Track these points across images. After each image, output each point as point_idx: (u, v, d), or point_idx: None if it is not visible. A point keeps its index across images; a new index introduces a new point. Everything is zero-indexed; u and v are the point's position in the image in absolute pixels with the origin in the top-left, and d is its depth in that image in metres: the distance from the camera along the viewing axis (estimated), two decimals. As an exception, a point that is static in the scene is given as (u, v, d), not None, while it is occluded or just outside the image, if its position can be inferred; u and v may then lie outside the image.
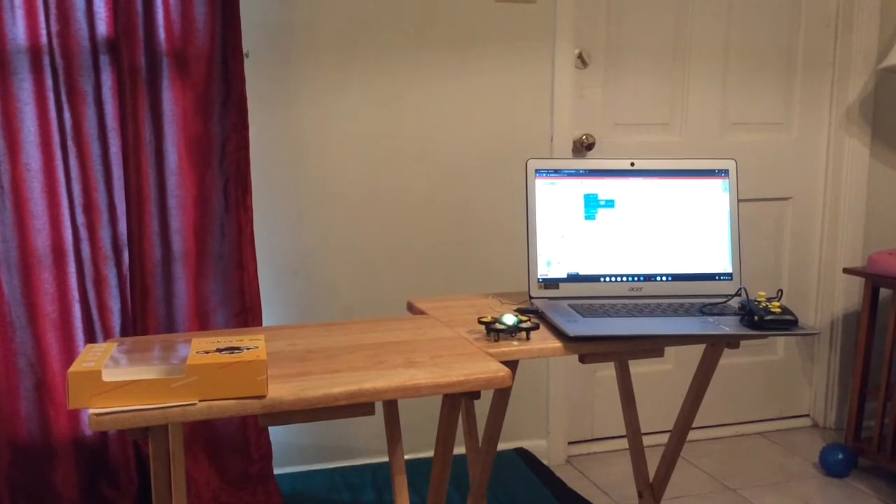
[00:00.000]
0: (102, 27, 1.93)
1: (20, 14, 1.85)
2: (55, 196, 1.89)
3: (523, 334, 1.44)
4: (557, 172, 1.68)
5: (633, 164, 1.70)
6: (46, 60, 1.88)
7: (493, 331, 1.41)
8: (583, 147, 2.52)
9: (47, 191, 1.88)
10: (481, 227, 2.44)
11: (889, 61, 2.53)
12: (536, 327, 1.43)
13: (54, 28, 1.86)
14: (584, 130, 2.54)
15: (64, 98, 1.89)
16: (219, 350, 1.14)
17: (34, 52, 1.87)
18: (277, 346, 1.37)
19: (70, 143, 1.90)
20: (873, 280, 2.46)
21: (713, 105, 2.66)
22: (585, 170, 1.69)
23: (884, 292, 2.69)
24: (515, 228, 2.47)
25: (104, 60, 1.94)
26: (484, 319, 1.43)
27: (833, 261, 2.81)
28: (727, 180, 1.72)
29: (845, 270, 2.54)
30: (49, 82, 1.89)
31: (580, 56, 2.50)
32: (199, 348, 1.15)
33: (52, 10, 1.86)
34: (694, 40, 2.61)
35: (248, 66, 2.14)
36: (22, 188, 1.86)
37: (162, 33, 1.95)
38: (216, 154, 2.03)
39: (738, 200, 2.71)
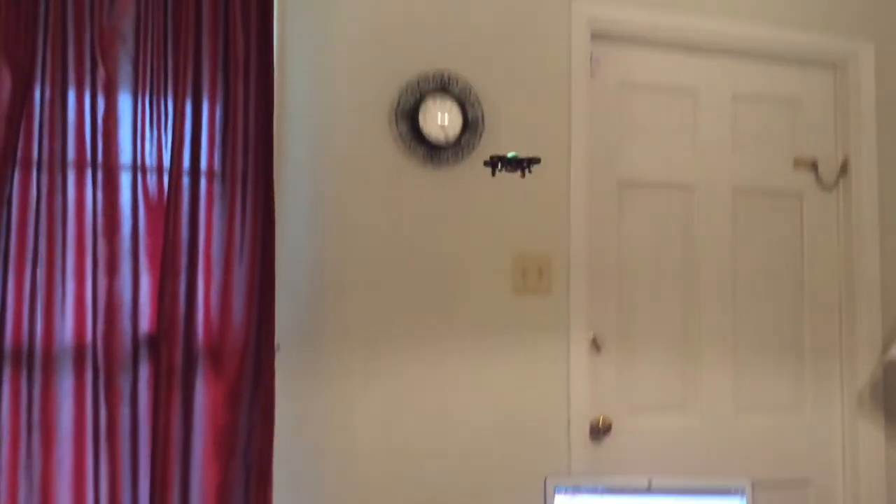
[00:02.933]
0: (145, 324, 2.06)
1: (70, 315, 1.99)
2: (82, 496, 1.92)
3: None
4: (577, 489, 1.70)
5: (650, 484, 1.73)
6: (89, 358, 1.99)
7: None
8: (599, 431, 2.56)
9: (75, 490, 1.92)
10: (498, 513, 2.43)
11: (894, 355, 2.62)
12: None
13: (100, 329, 1.99)
14: (600, 413, 2.59)
15: (102, 395, 1.98)
16: None
17: (79, 351, 1.99)
18: None
19: (102, 441, 1.96)
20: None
21: (726, 388, 2.73)
22: (604, 486, 1.72)
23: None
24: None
25: (143, 356, 2.05)
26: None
27: (859, 548, 2.74)
28: (743, 499, 1.74)
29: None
30: (89, 379, 1.98)
31: (594, 342, 2.60)
32: None
33: (101, 312, 2.00)
34: (703, 327, 2.72)
35: (278, 358, 2.24)
36: (50, 488, 1.90)
37: (201, 330, 2.07)
38: (241, 444, 2.08)
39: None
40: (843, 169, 2.87)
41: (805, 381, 2.82)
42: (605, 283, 2.64)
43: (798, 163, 2.85)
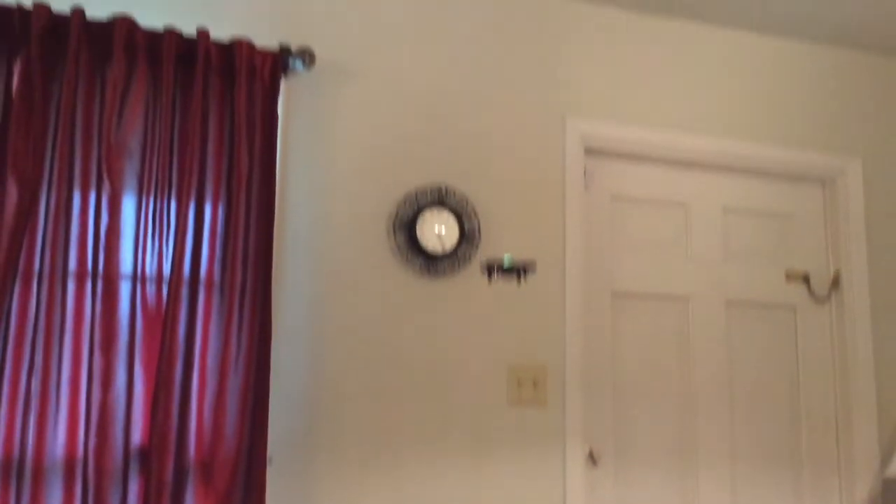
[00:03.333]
0: (137, 437, 2.04)
1: (62, 427, 1.97)
2: None
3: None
4: None
5: None
6: (80, 471, 1.96)
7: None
8: (595, 548, 2.51)
9: None
10: None
11: (893, 472, 2.59)
12: None
13: (92, 442, 1.97)
14: (595, 529, 2.54)
15: (90, 511, 1.94)
16: None
17: (69, 463, 1.96)
18: None
19: (88, 559, 1.92)
20: None
21: (724, 503, 2.68)
22: None
23: None
24: None
25: (134, 469, 2.02)
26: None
27: None
28: None
29: None
30: (79, 492, 1.95)
31: (590, 455, 2.58)
32: None
33: (93, 424, 1.98)
34: (700, 440, 2.70)
35: (270, 470, 2.21)
36: None
37: (193, 443, 2.05)
38: (229, 562, 2.03)
39: None
40: (835, 282, 2.90)
41: (804, 498, 2.78)
42: (600, 395, 2.63)
43: (790, 276, 2.89)
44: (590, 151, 2.72)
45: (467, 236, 2.51)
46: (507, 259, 2.26)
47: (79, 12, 2.08)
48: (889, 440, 2.79)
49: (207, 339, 2.10)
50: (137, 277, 2.08)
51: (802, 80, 2.96)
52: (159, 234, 2.11)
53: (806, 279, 2.90)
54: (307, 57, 2.33)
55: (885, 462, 2.74)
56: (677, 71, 2.83)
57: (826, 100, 2.98)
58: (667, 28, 2.84)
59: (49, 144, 2.05)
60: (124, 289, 2.07)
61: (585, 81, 2.73)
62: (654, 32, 2.83)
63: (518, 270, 2.23)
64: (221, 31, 2.35)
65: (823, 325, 2.90)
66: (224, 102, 2.20)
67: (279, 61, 2.27)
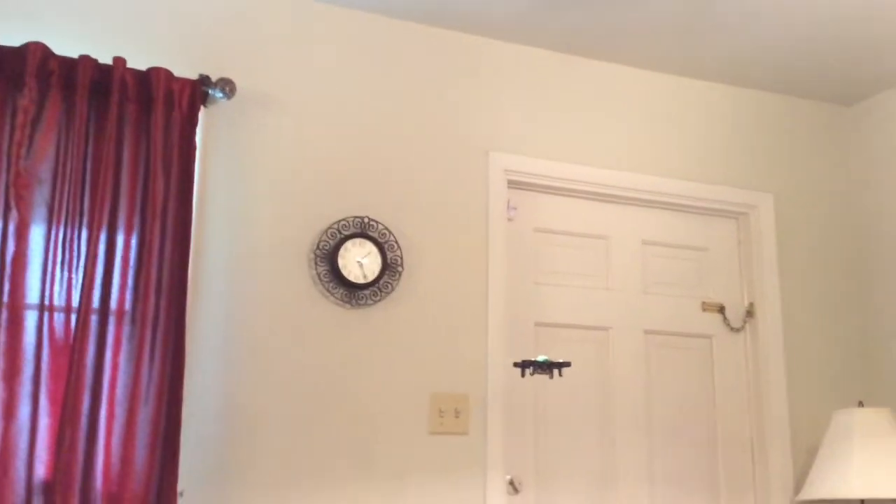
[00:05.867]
0: (41, 471, 1.97)
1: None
2: None
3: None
4: None
5: None
6: (-23, 509, 1.89)
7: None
8: (516, 578, 2.50)
9: None
10: None
11: (805, 495, 2.66)
12: None
13: (-7, 478, 1.90)
14: (516, 559, 2.54)
15: (-13, 548, 1.87)
16: None
17: (-33, 500, 1.89)
18: None
19: None
20: None
21: (643, 531, 2.72)
22: None
23: None
24: None
25: (37, 503, 1.96)
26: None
27: None
28: None
29: None
30: (-25, 530, 1.88)
31: (511, 483, 2.58)
32: None
33: (-4, 460, 1.91)
34: (619, 466, 2.73)
35: (182, 504, 2.16)
36: None
37: (99, 477, 2.00)
38: None
39: None
40: (750, 312, 2.99)
41: (721, 523, 2.83)
42: (522, 424, 2.65)
43: (706, 306, 2.97)
44: (513, 185, 2.77)
45: (390, 266, 2.53)
46: (541, 358, 2.34)
47: (-10, 38, 2.06)
48: (802, 464, 2.87)
49: (117, 369, 2.06)
50: (45, 307, 2.03)
51: (717, 119, 3.08)
52: (69, 262, 2.07)
53: (721, 310, 2.98)
54: (228, 87, 2.33)
55: (798, 485, 2.81)
56: (598, 109, 2.92)
57: (739, 138, 3.09)
58: (588, 68, 2.93)
59: (-46, 172, 2.00)
60: (30, 318, 2.02)
61: (509, 117, 2.79)
62: (576, 72, 2.91)
63: (553, 365, 2.29)
64: (141, 62, 2.33)
65: (738, 354, 2.98)
66: (140, 130, 2.19)
67: (198, 90, 2.27)
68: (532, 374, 2.40)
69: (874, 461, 2.54)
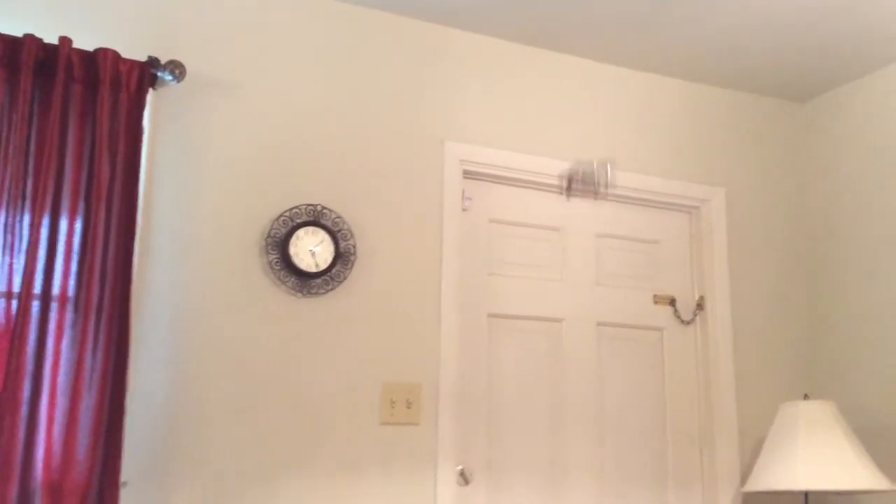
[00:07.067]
0: (-22, 460, 1.92)
1: None
2: None
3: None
4: None
5: None
6: None
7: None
8: (465, 568, 2.51)
9: None
10: None
11: (750, 487, 2.71)
12: None
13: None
14: (466, 550, 2.54)
15: (-81, 540, 1.82)
16: None
17: None
18: None
19: None
20: None
21: (592, 521, 2.74)
22: None
23: None
24: None
25: (-27, 493, 1.91)
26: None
27: None
28: None
29: None
30: None
31: (462, 474, 2.58)
32: None
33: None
34: (570, 458, 2.75)
35: (124, 495, 2.11)
36: None
37: (39, 466, 1.95)
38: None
39: None
40: (700, 305, 3.03)
41: (669, 513, 2.87)
42: (474, 414, 2.65)
43: (658, 299, 3.00)
44: (468, 175, 2.76)
45: (342, 255, 2.50)
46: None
47: (-72, 13, 1.98)
48: (749, 456, 2.92)
49: (59, 357, 2.01)
50: (-16, 292, 1.97)
51: (672, 113, 3.10)
52: (10, 247, 2.01)
53: (672, 302, 3.01)
54: (177, 69, 2.29)
55: (745, 477, 2.86)
56: (555, 101, 2.92)
57: (693, 133, 3.12)
58: (546, 59, 2.93)
59: None
60: (-32, 304, 1.96)
61: (465, 107, 2.78)
62: (534, 63, 2.91)
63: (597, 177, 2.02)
64: (89, 42, 2.27)
65: (688, 347, 3.02)
66: (86, 112, 2.14)
67: (146, 72, 2.22)
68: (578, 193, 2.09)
69: (818, 454, 2.58)
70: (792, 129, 3.31)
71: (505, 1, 2.63)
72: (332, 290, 2.49)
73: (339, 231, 2.51)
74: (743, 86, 3.19)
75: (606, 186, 2.09)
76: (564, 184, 2.11)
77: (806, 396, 2.79)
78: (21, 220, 2.04)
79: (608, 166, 2.04)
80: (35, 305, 2.00)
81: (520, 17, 2.72)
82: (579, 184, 2.11)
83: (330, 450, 2.40)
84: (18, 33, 2.13)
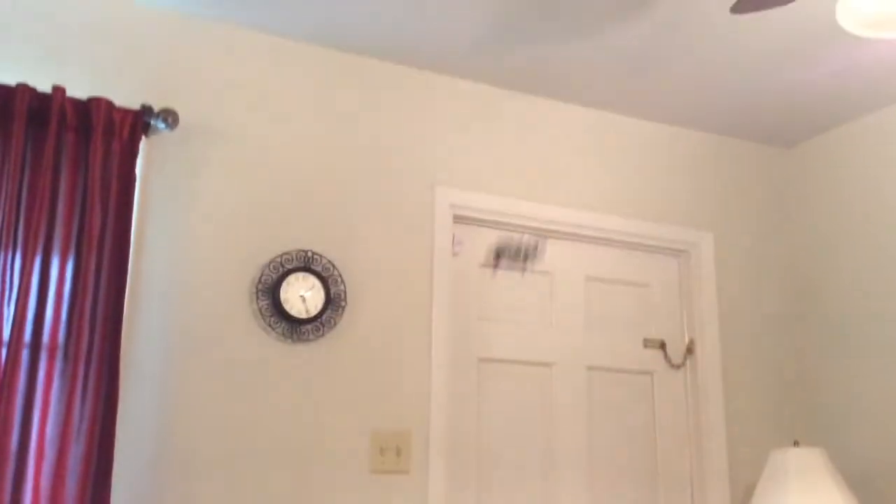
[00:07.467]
0: (-37, 513, 1.90)
1: None
2: None
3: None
4: None
5: None
6: None
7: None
8: None
9: None
10: None
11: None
12: None
13: None
14: None
15: None
16: None
17: None
18: None
19: None
20: None
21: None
22: None
23: None
24: None
25: (-43, 546, 1.88)
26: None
27: None
28: None
29: None
30: None
31: (453, 521, 2.57)
32: None
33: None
34: (561, 502, 2.73)
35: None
36: None
37: (26, 520, 1.93)
38: None
39: None
40: (690, 349, 3.04)
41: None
42: (465, 460, 2.64)
43: (648, 343, 3.01)
44: (459, 219, 2.78)
45: (333, 301, 2.51)
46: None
47: (-77, 63, 2.00)
48: (740, 502, 2.91)
49: (48, 406, 1.99)
50: (-27, 341, 1.96)
51: (660, 158, 3.14)
52: (0, 294, 2.01)
53: (662, 346, 3.02)
54: (170, 117, 2.30)
55: (735, 524, 2.85)
56: (543, 146, 2.95)
57: (682, 178, 3.16)
58: (534, 105, 2.97)
59: None
60: (-43, 353, 1.95)
61: (455, 152, 2.81)
62: (523, 108, 2.95)
63: (524, 256, 2.05)
64: (83, 91, 2.28)
65: (678, 390, 3.02)
66: (79, 160, 2.14)
67: (139, 120, 2.23)
68: (504, 268, 2.14)
69: (809, 502, 2.58)
70: (779, 173, 3.35)
71: (494, 47, 2.67)
72: (322, 335, 2.49)
73: (329, 276, 2.51)
74: (731, 131, 3.23)
75: (534, 263, 2.10)
76: (492, 258, 2.14)
77: (796, 443, 2.79)
78: (12, 267, 2.03)
79: (538, 243, 2.06)
80: (25, 354, 1.99)
81: (509, 62, 2.76)
82: (507, 260, 2.15)
83: (319, 499, 2.38)
84: (12, 82, 2.15)
